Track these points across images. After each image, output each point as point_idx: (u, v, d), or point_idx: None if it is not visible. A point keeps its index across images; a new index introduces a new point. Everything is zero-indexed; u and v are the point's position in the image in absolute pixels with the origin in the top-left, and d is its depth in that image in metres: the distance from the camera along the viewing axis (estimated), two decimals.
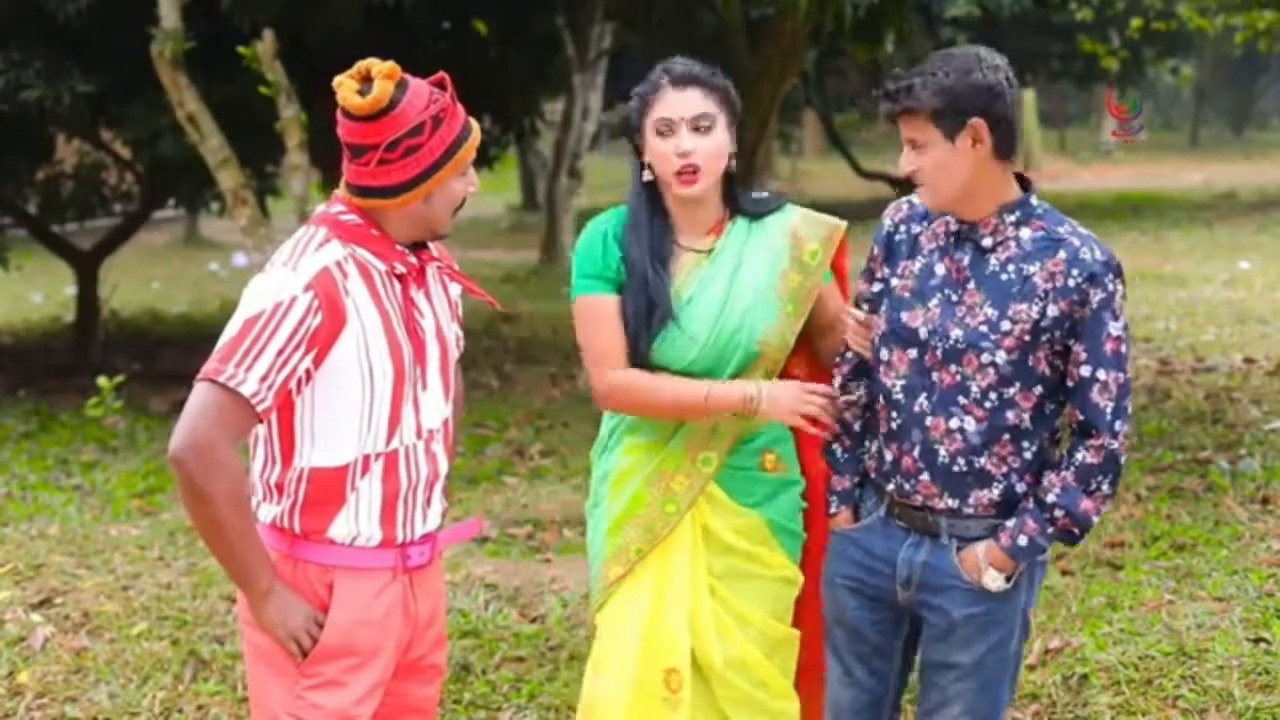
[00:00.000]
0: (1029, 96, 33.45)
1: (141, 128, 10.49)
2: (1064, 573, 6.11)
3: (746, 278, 3.54)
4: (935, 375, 3.24)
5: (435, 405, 3.14)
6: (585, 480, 7.98)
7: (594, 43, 14.65)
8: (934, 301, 3.25)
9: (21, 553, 6.79)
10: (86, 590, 6.22)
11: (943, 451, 3.24)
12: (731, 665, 3.54)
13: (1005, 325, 3.16)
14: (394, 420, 3.04)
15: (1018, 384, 3.18)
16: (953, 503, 3.27)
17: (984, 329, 3.17)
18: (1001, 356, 3.16)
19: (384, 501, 3.07)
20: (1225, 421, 8.79)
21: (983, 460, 3.22)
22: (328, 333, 2.92)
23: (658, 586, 3.56)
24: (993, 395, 3.19)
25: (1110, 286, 3.16)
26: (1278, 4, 13.31)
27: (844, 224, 3.69)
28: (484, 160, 13.44)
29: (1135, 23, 18.38)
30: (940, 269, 3.27)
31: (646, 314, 3.51)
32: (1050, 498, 3.18)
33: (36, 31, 10.17)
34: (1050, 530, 3.20)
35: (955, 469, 3.24)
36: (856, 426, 3.51)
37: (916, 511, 3.33)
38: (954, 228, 3.27)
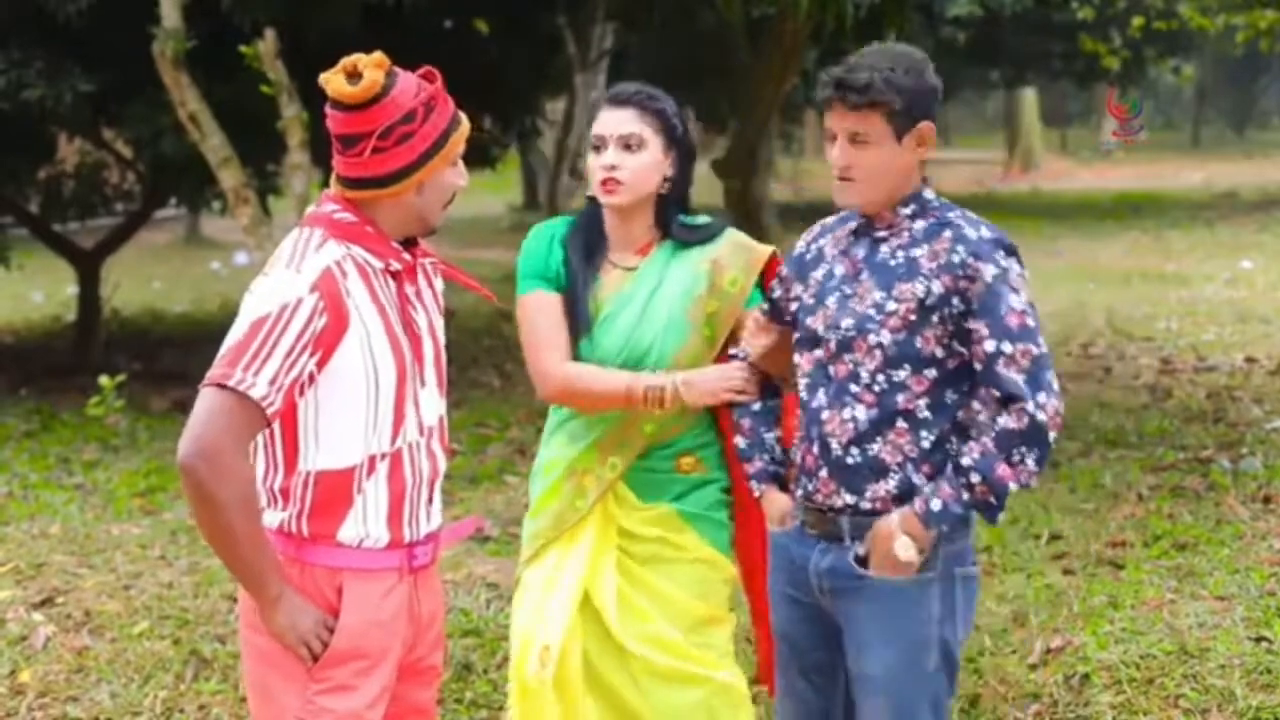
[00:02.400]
0: (1030, 96, 33.50)
1: (143, 127, 10.49)
2: (1065, 572, 6.11)
3: (662, 301, 3.67)
4: (831, 369, 3.24)
5: (433, 402, 3.13)
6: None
7: (596, 42, 14.65)
8: (831, 299, 3.27)
9: (23, 552, 6.80)
10: (88, 589, 6.22)
11: (835, 444, 3.22)
12: (647, 642, 3.65)
13: (890, 305, 3.15)
14: (398, 419, 3.03)
15: (907, 366, 3.15)
16: (850, 499, 3.23)
17: (870, 312, 3.17)
18: (887, 337, 3.15)
19: (391, 502, 3.06)
20: (1227, 420, 8.79)
21: (875, 448, 3.19)
22: (332, 334, 2.91)
23: (553, 571, 3.72)
24: (880, 378, 3.17)
25: (1003, 263, 3.14)
26: (1279, 3, 13.30)
27: (770, 250, 3.77)
28: (486, 160, 13.45)
29: (1136, 22, 18.35)
30: (839, 269, 3.30)
31: (573, 321, 3.66)
32: (966, 461, 3.11)
33: (37, 31, 10.17)
34: (966, 497, 3.11)
35: (849, 460, 3.21)
36: (755, 407, 3.57)
37: (822, 515, 3.29)
38: (853, 227, 3.32)
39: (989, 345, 3.10)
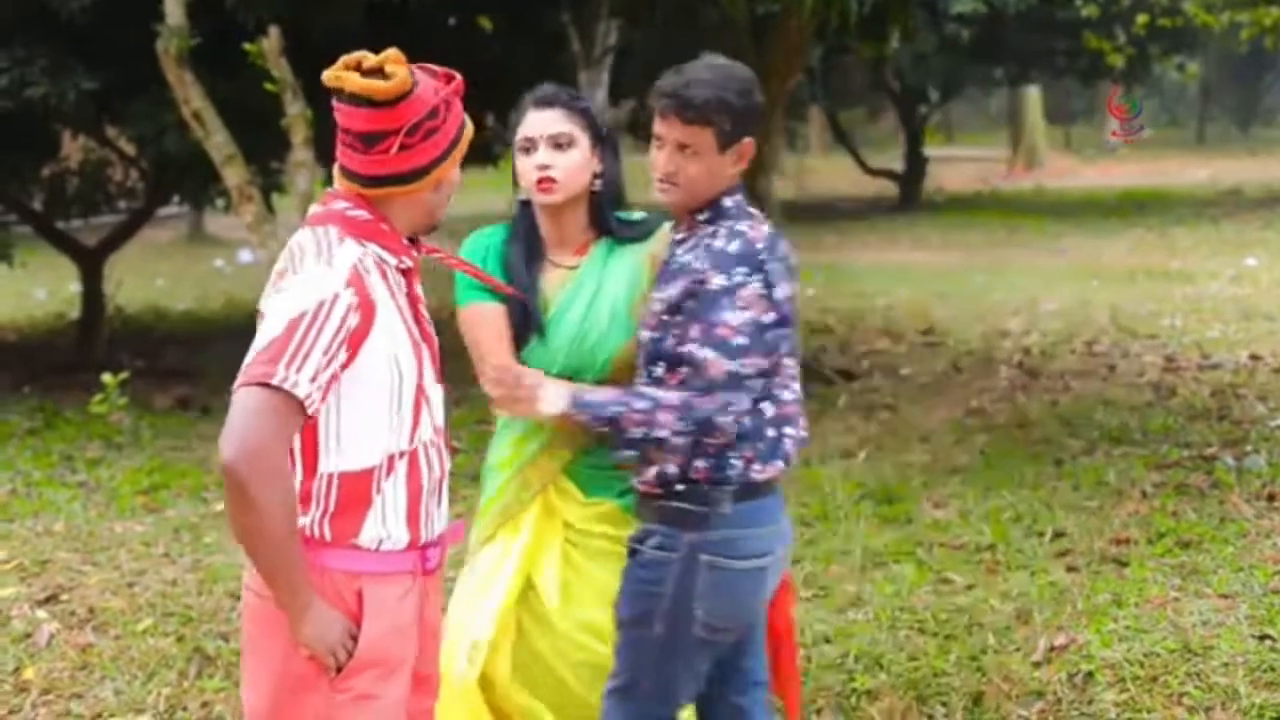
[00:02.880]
0: (1034, 93, 33.45)
1: (146, 124, 10.50)
2: (1069, 569, 6.11)
3: (605, 299, 3.71)
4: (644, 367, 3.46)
5: (440, 400, 3.13)
6: None
7: (599, 39, 14.62)
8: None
9: (27, 549, 6.80)
10: (92, 586, 6.23)
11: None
12: (589, 631, 3.71)
13: (655, 306, 3.36)
14: (415, 418, 3.01)
15: (661, 363, 3.33)
16: (633, 479, 3.47)
17: (646, 312, 3.42)
18: (646, 334, 3.38)
19: (409, 502, 3.03)
20: (1231, 418, 8.79)
21: None
22: (361, 332, 2.88)
23: (495, 562, 3.79)
24: (644, 374, 3.39)
25: (736, 278, 3.25)
26: None
27: None
28: (488, 157, 13.44)
29: (1141, 19, 18.36)
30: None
31: (520, 324, 3.70)
32: (643, 389, 3.30)
33: (41, 28, 10.18)
34: (617, 409, 3.28)
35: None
36: None
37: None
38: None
39: (691, 348, 3.26)
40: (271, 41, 8.53)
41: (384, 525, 3.00)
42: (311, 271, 2.87)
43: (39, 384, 11.68)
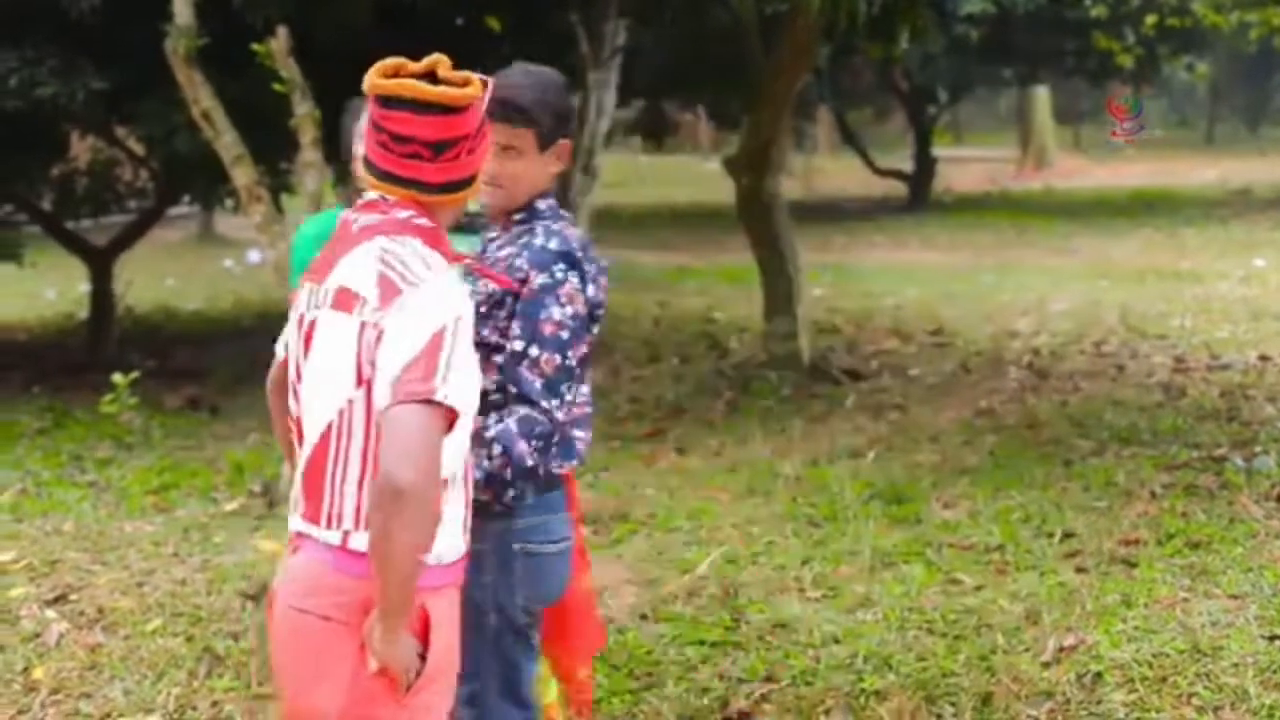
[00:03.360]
0: (1043, 93, 33.42)
1: (155, 124, 10.50)
2: (1078, 570, 6.10)
3: None
4: None
5: None
6: (597, 476, 8.00)
7: (608, 39, 14.60)
8: None
9: (36, 549, 6.81)
10: (101, 586, 6.24)
11: None
12: None
13: (475, 299, 3.37)
14: (471, 427, 3.01)
15: (479, 351, 3.27)
16: None
17: None
18: None
19: (463, 513, 3.03)
20: (1240, 419, 8.78)
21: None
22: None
23: None
24: None
25: (557, 275, 3.36)
26: None
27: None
28: None
29: (1150, 19, 18.36)
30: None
31: None
32: (490, 434, 3.30)
33: (50, 28, 10.18)
34: (485, 463, 3.28)
35: None
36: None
37: None
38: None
39: (518, 345, 3.34)
40: (280, 41, 8.52)
41: (447, 538, 2.96)
42: (435, 284, 2.86)
43: (49, 384, 11.70)
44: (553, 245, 3.39)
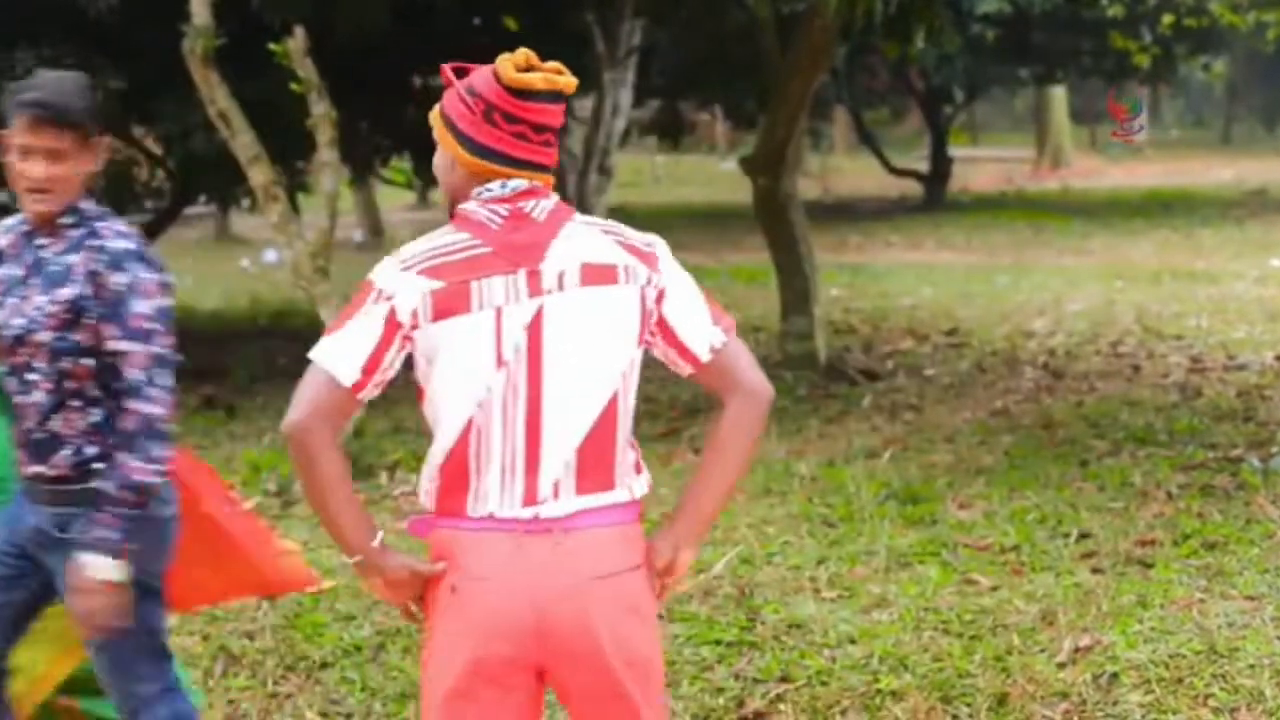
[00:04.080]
0: (1059, 93, 33.37)
1: (173, 124, 10.55)
2: (1094, 571, 6.09)
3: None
4: (13, 361, 3.64)
5: None
6: None
7: (624, 39, 14.62)
8: (11, 300, 3.64)
9: None
10: None
11: (27, 424, 3.64)
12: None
13: (50, 308, 3.55)
14: None
15: (67, 358, 3.56)
16: (40, 468, 3.65)
17: (35, 314, 3.58)
18: (49, 335, 3.55)
19: None
20: (1257, 419, 8.76)
21: (54, 424, 3.61)
22: None
23: None
24: (49, 369, 3.58)
25: (138, 274, 3.57)
26: None
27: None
28: None
29: (1167, 19, 18.33)
30: (17, 271, 3.67)
31: None
32: (110, 488, 3.48)
33: (68, 28, 10.22)
34: (122, 512, 3.48)
35: (36, 436, 3.63)
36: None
37: (30, 483, 3.70)
38: (23, 231, 3.70)
39: (117, 345, 3.54)
40: (297, 42, 8.55)
41: None
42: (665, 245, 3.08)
43: None
44: (125, 245, 3.59)
